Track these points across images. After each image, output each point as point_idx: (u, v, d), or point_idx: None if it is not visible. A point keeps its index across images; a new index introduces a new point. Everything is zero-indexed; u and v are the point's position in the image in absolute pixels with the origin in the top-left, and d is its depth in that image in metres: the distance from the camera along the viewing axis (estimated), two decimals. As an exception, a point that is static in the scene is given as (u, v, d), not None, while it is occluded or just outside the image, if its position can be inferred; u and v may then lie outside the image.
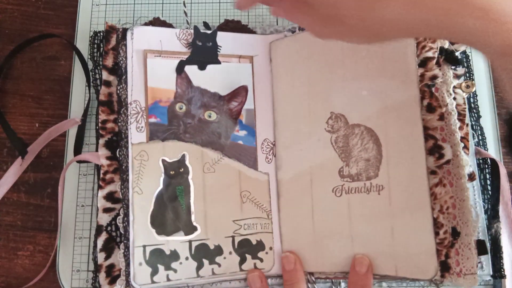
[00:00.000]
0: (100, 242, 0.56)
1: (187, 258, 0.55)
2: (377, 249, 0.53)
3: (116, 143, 0.58)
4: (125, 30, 0.58)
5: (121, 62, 0.58)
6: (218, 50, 0.60)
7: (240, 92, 0.59)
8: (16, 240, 0.60)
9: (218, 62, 0.60)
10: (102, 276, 0.55)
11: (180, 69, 0.59)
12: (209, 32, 0.60)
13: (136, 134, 0.56)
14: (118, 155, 0.57)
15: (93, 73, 0.62)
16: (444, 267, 0.51)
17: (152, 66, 0.58)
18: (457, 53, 0.56)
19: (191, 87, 0.58)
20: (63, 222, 0.59)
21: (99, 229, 0.56)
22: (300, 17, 0.45)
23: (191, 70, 0.59)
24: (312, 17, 0.43)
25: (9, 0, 0.68)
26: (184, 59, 0.59)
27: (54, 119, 0.63)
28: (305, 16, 0.44)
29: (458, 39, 0.39)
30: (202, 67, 0.59)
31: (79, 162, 0.61)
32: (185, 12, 0.66)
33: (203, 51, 0.60)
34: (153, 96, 0.57)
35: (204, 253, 0.55)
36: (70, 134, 0.62)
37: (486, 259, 0.55)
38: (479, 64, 0.63)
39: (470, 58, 0.62)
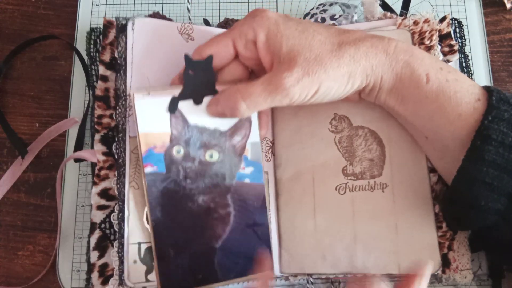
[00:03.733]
0: (93, 240, 0.55)
1: None
2: (380, 247, 0.53)
3: (112, 138, 0.57)
4: (125, 21, 0.58)
5: (121, 52, 0.58)
6: (215, 77, 0.52)
7: (243, 125, 0.54)
8: (16, 240, 0.60)
9: (216, 92, 0.52)
10: (95, 276, 0.54)
11: (173, 107, 0.52)
12: (202, 60, 0.51)
13: (134, 127, 0.55)
14: (114, 149, 0.56)
15: (89, 69, 0.62)
16: (445, 262, 0.52)
17: (142, 109, 0.52)
18: (450, 63, 0.58)
19: (187, 126, 0.52)
20: (63, 222, 0.59)
21: (92, 227, 0.56)
22: None
23: (186, 107, 0.52)
24: None
25: (9, 0, 0.68)
26: (177, 95, 0.52)
27: (54, 119, 0.63)
28: None
29: None
30: (198, 101, 0.52)
31: (77, 161, 0.61)
32: (188, 8, 0.66)
33: (197, 81, 0.52)
34: (147, 142, 0.52)
35: None
36: (70, 134, 0.62)
37: (484, 259, 0.55)
38: (480, 70, 0.63)
39: (469, 58, 0.62)
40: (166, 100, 0.52)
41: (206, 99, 0.52)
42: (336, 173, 0.55)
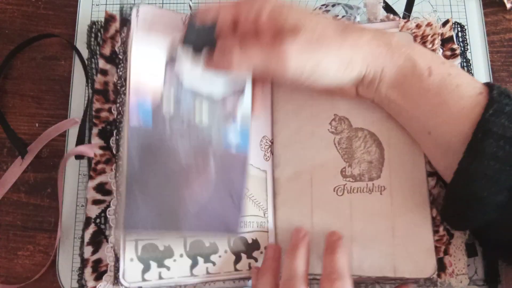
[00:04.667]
0: (87, 235, 0.55)
1: (181, 255, 0.53)
2: (376, 250, 0.53)
3: (110, 132, 0.57)
4: (130, 9, 0.56)
5: (124, 40, 0.57)
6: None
7: (235, 95, 0.55)
8: (16, 240, 0.60)
9: (215, 45, 0.51)
10: (88, 271, 0.54)
11: (173, 51, 0.52)
12: (206, 27, 0.51)
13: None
14: (111, 143, 0.56)
15: (89, 62, 0.63)
16: (440, 267, 0.52)
17: (139, 53, 0.52)
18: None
19: (181, 87, 0.52)
20: (63, 222, 0.59)
21: (87, 221, 0.56)
22: None
23: (183, 67, 0.52)
24: None
25: (9, 0, 0.68)
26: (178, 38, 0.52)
27: (54, 119, 0.63)
28: None
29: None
30: (198, 49, 0.52)
31: (78, 158, 0.61)
32: (190, 6, 0.66)
33: (199, 32, 0.52)
34: (137, 92, 0.50)
35: (199, 251, 0.54)
36: (70, 134, 0.62)
37: (480, 264, 0.55)
38: (480, 70, 0.63)
39: (470, 63, 0.62)
40: (165, 46, 0.52)
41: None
42: (334, 174, 0.55)
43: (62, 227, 0.59)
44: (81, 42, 0.65)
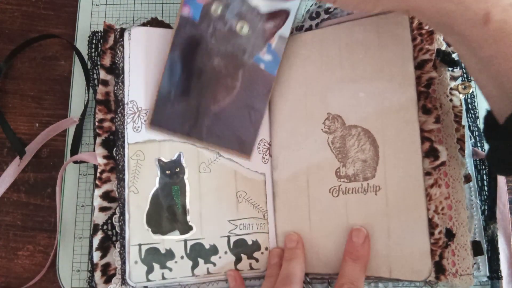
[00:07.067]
0: (96, 241, 0.56)
1: (182, 257, 0.55)
2: (372, 250, 0.52)
3: (113, 142, 0.58)
4: (122, 30, 0.59)
5: (119, 62, 0.58)
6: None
7: (280, 15, 0.56)
8: (16, 240, 0.60)
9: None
10: (97, 275, 0.55)
11: None
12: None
13: (133, 134, 0.56)
14: (114, 154, 0.57)
15: (91, 72, 0.63)
16: (439, 269, 0.50)
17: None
18: (454, 55, 0.55)
19: None
20: (63, 222, 0.59)
21: (95, 228, 0.56)
22: None
23: None
24: None
25: (9, 0, 0.68)
26: None
27: (54, 119, 0.63)
28: None
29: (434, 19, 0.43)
30: None
31: (76, 162, 0.61)
32: None
33: None
34: None
35: (199, 253, 0.55)
36: (70, 134, 0.62)
37: (483, 260, 0.54)
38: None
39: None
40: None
41: None
42: (329, 175, 0.55)
43: (62, 227, 0.59)
44: (81, 42, 0.65)
